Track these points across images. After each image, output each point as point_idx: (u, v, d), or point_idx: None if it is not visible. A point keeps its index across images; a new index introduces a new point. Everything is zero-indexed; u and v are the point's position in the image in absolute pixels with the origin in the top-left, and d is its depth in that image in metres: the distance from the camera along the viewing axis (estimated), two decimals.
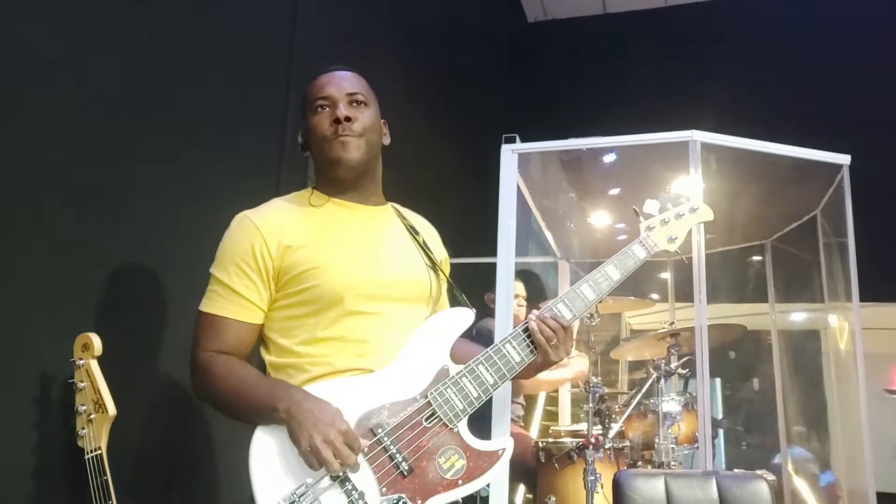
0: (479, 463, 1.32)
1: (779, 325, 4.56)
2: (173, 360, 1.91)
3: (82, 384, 1.45)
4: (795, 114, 4.50)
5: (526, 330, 1.43)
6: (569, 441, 3.12)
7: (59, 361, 1.48)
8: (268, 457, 1.25)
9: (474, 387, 1.35)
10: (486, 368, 1.37)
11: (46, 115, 1.54)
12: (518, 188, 3.36)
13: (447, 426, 1.32)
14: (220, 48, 2.13)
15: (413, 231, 1.55)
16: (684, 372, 3.29)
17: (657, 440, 3.12)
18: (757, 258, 4.46)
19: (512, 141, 3.36)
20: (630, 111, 4.48)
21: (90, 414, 1.43)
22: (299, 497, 1.21)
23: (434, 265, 1.53)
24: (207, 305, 1.39)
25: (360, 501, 1.22)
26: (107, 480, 1.39)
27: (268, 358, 1.41)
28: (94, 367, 1.45)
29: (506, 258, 3.12)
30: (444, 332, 1.41)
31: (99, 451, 1.41)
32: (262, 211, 1.44)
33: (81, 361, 1.45)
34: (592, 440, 2.94)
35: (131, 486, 1.53)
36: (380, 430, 1.28)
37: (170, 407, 1.90)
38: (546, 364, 1.45)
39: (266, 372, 1.41)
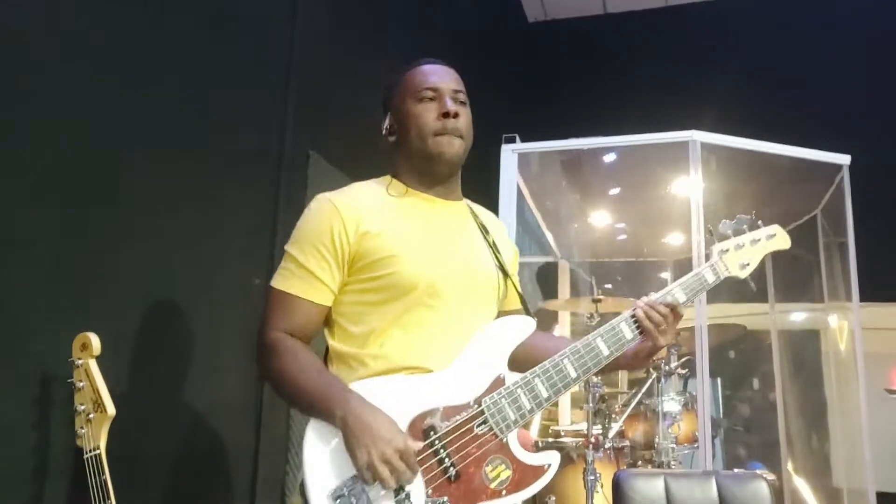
0: (525, 476, 1.32)
1: (778, 324, 4.56)
2: (173, 360, 1.91)
3: (81, 384, 1.45)
4: (795, 114, 4.50)
5: (585, 347, 1.41)
6: (569, 441, 3.13)
7: (58, 361, 1.48)
8: (321, 449, 1.26)
9: (528, 399, 1.35)
10: (541, 382, 1.36)
11: (45, 114, 1.54)
12: (518, 188, 3.36)
13: (497, 436, 1.32)
14: (219, 48, 2.12)
15: (484, 230, 1.54)
16: (684, 372, 3.30)
17: (657, 440, 3.13)
18: None
19: (512, 141, 3.36)
20: (630, 111, 4.48)
21: (89, 413, 1.43)
22: (348, 491, 1.22)
23: (502, 266, 1.52)
24: (280, 282, 1.38)
25: (407, 501, 1.23)
26: (105, 480, 1.39)
27: (331, 343, 1.41)
28: (93, 366, 1.45)
29: None
30: (503, 340, 1.41)
31: (98, 451, 1.41)
32: (344, 194, 1.42)
33: (80, 361, 1.45)
34: (592, 440, 2.94)
35: (130, 485, 1.52)
36: (432, 434, 1.28)
37: (169, 406, 1.89)
38: (655, 350, 1.44)
39: (327, 357, 1.41)
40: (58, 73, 1.56)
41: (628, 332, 1.43)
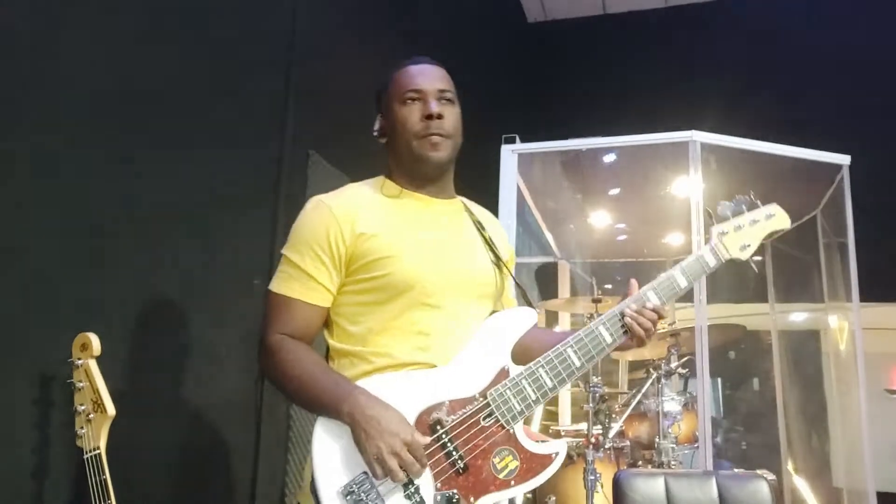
0: (533, 465, 1.33)
1: (779, 325, 4.56)
2: (172, 360, 1.91)
3: (81, 384, 1.44)
4: (795, 114, 4.50)
5: (587, 335, 1.42)
6: (569, 440, 3.12)
7: (58, 361, 1.48)
8: (329, 446, 1.27)
9: (533, 389, 1.36)
10: (545, 372, 1.38)
11: (46, 115, 1.54)
12: (518, 188, 3.36)
13: (504, 427, 1.33)
14: (219, 47, 2.12)
15: (480, 226, 1.56)
16: (684, 372, 3.30)
17: (657, 440, 3.12)
18: (757, 258, 4.45)
19: (512, 141, 3.36)
20: (630, 111, 4.48)
21: (89, 414, 1.43)
22: (358, 486, 1.23)
23: (499, 261, 1.53)
24: (278, 286, 1.39)
25: (416, 495, 1.24)
26: (106, 480, 1.39)
27: (331, 342, 1.42)
28: (93, 366, 1.45)
29: None
30: (506, 332, 1.41)
31: (98, 451, 1.41)
32: (338, 196, 1.44)
33: (80, 361, 1.45)
34: (592, 440, 2.94)
35: (130, 485, 1.52)
36: (439, 428, 1.29)
37: (169, 406, 1.89)
38: (639, 346, 1.49)
39: (328, 356, 1.43)
40: (58, 74, 1.56)
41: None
